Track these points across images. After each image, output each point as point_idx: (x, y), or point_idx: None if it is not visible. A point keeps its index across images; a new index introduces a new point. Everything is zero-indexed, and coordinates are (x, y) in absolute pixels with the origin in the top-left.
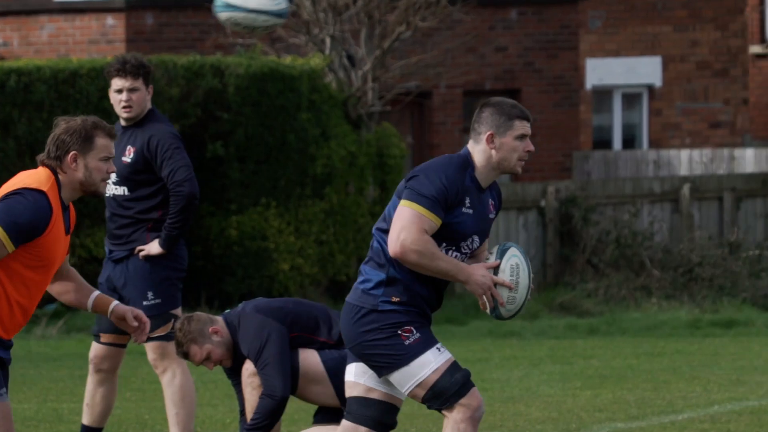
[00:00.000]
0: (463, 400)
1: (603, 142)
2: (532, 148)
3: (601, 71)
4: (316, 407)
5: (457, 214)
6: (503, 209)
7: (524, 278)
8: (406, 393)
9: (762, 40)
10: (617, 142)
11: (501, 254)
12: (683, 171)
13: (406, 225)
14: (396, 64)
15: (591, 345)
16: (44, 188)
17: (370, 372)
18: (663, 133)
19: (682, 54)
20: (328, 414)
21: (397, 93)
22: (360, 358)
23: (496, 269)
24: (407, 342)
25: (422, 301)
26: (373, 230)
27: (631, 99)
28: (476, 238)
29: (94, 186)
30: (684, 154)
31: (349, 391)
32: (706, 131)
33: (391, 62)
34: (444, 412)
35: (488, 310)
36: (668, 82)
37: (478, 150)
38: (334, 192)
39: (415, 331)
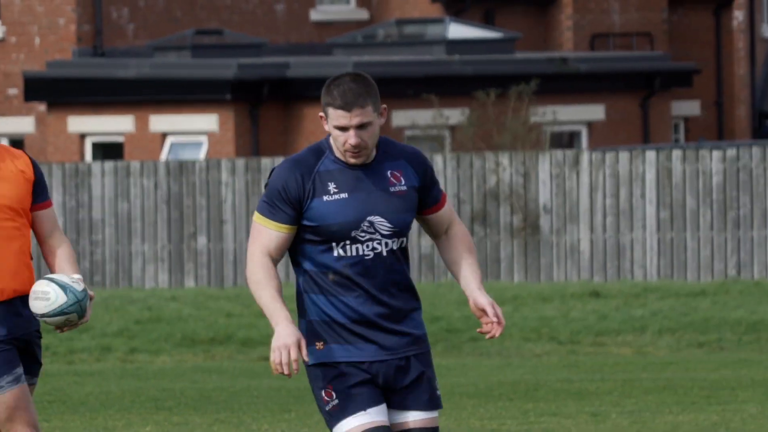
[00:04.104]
0: None
1: None
2: (352, 141)
3: None
4: None
5: (316, 205)
6: None
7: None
8: None
9: None
10: None
11: None
12: None
13: (250, 241)
14: None
15: None
16: None
17: (383, 406)
18: None
19: None
20: None
21: None
22: None
23: None
24: (327, 407)
25: (355, 324)
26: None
27: None
28: (374, 219)
29: None
30: None
31: None
32: None
33: None
34: None
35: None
36: None
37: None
38: None
39: (334, 396)
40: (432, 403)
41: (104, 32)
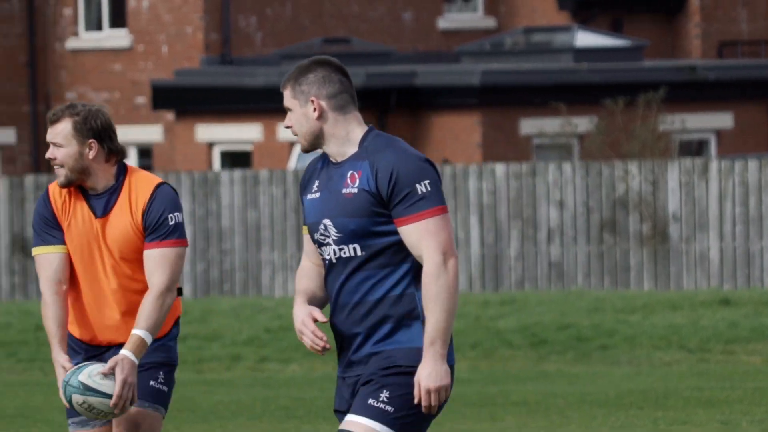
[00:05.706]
0: None
1: None
2: (286, 123)
3: None
4: None
5: (304, 202)
6: None
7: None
8: None
9: None
10: None
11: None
12: None
13: None
14: None
15: None
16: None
17: None
18: None
19: None
20: None
21: None
22: None
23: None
24: None
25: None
26: None
27: None
28: (326, 223)
29: None
30: None
31: None
32: None
33: None
34: None
35: None
36: None
37: None
38: None
39: None
40: (365, 408)
41: (232, 40)
